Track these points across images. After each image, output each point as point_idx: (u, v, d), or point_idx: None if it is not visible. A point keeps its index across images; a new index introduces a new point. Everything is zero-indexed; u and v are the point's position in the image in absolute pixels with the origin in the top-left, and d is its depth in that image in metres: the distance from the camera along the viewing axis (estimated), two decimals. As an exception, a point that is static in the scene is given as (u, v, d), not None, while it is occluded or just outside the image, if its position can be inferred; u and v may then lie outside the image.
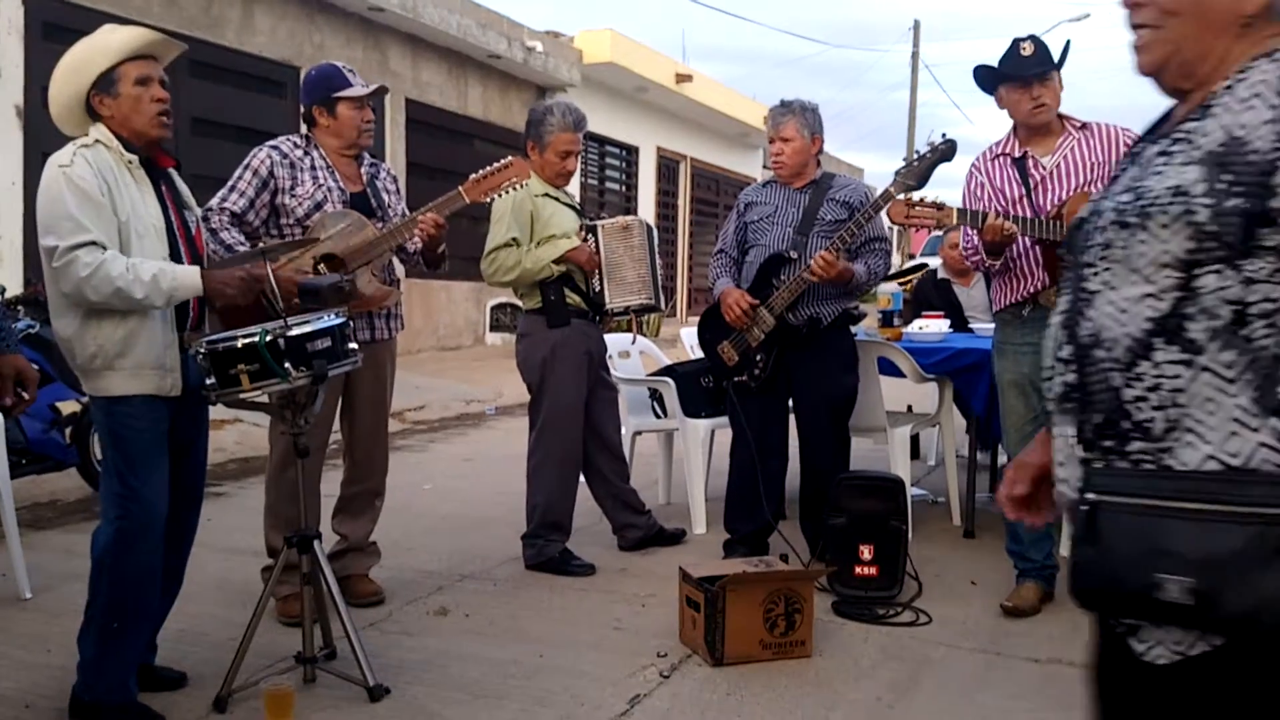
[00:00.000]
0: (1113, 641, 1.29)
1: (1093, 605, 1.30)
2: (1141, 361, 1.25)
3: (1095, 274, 1.31)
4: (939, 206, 3.35)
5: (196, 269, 2.53)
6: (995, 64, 3.39)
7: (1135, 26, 1.35)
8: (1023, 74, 3.33)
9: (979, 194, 3.48)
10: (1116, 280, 1.28)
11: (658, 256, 4.02)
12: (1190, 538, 1.17)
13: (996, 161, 3.49)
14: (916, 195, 3.43)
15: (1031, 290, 3.36)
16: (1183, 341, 1.23)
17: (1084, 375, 1.31)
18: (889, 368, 4.42)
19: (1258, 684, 1.21)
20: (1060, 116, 3.43)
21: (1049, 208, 3.33)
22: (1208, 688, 1.23)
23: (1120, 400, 1.26)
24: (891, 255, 4.00)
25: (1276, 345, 1.20)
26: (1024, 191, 3.39)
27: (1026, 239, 3.33)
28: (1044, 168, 3.39)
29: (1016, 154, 3.45)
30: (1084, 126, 3.42)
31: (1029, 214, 3.32)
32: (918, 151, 3.66)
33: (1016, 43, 3.37)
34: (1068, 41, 3.39)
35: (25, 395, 2.68)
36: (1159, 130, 1.36)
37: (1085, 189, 3.32)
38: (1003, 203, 3.41)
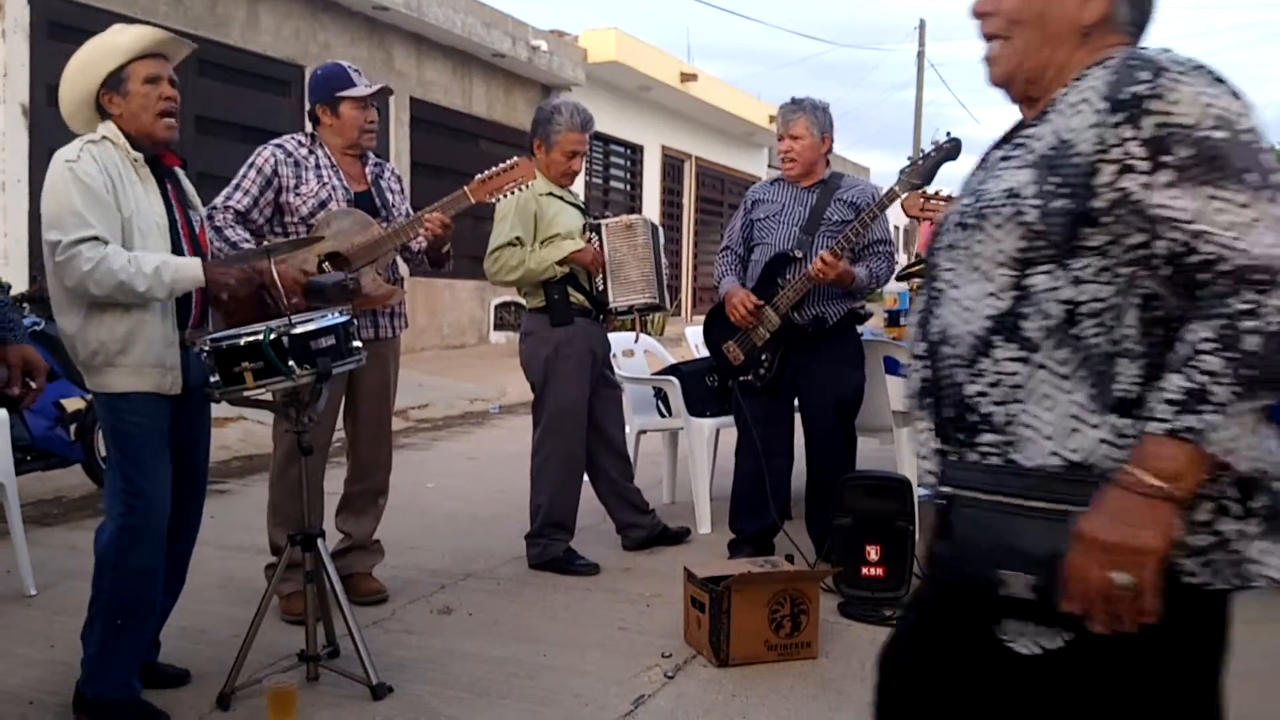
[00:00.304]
0: (981, 630, 1.32)
1: (951, 595, 1.34)
2: (983, 358, 1.29)
3: (943, 274, 1.36)
4: (952, 199, 3.32)
5: (198, 260, 2.54)
6: None
7: (986, 37, 1.39)
8: None
9: None
10: (960, 280, 1.33)
11: (663, 255, 4.01)
12: (1035, 536, 1.20)
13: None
14: (932, 189, 3.39)
15: None
16: (1020, 339, 1.27)
17: (935, 371, 1.35)
18: (895, 367, 4.40)
19: (1107, 680, 1.25)
20: None
21: None
22: (1064, 681, 1.27)
23: (963, 395, 1.31)
24: (895, 258, 3.99)
25: (1108, 343, 1.23)
26: None
27: None
28: None
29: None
30: None
31: None
32: (923, 150, 3.65)
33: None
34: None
35: (34, 385, 2.68)
36: (1007, 137, 1.41)
37: None
38: None
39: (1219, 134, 1.15)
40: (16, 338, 2.58)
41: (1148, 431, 1.15)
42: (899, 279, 5.87)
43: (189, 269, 2.49)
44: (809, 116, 3.86)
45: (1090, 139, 1.21)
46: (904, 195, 3.72)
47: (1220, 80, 1.20)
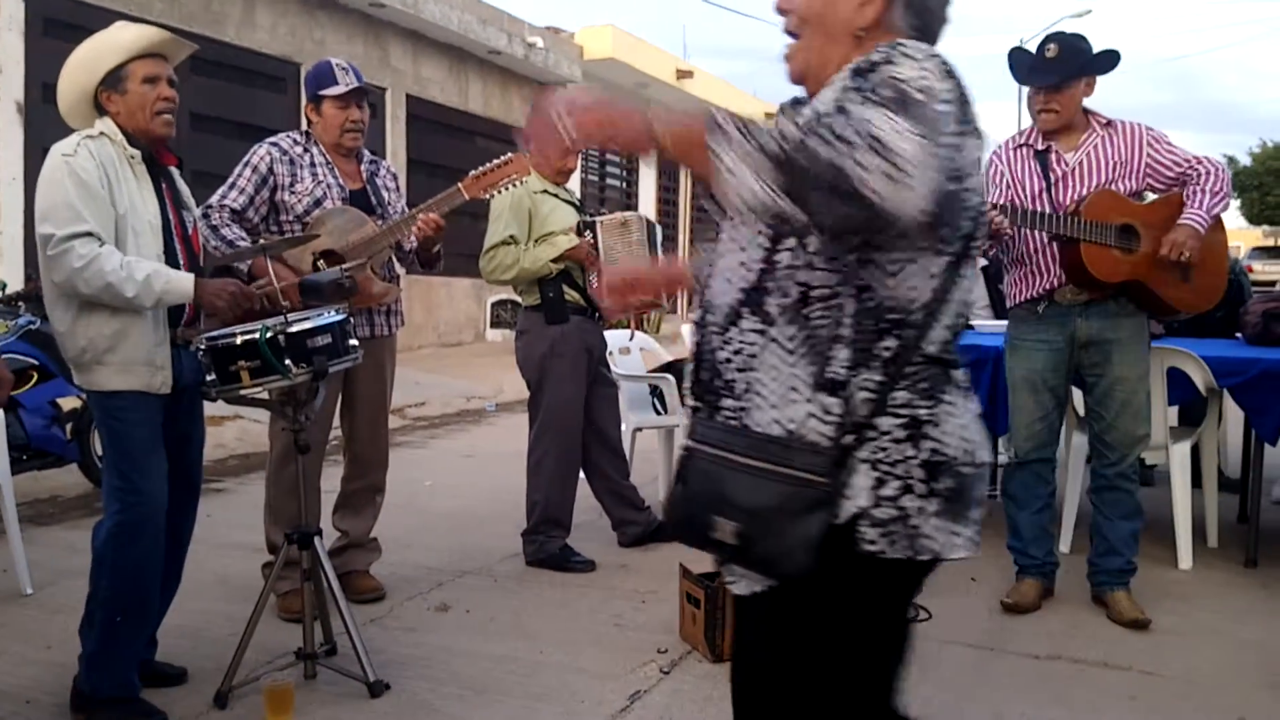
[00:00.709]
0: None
1: (677, 538, 1.48)
2: (732, 327, 1.41)
3: (719, 245, 1.48)
4: None
5: (191, 276, 2.51)
6: (1031, 50, 3.34)
7: (787, 34, 1.49)
8: (1032, 83, 3.30)
9: (997, 182, 3.43)
10: (727, 251, 1.45)
11: (660, 252, 4.01)
12: (745, 489, 1.34)
13: (1019, 151, 3.43)
14: None
15: (1047, 287, 3.33)
16: (761, 313, 1.38)
17: (701, 336, 1.47)
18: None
19: (795, 620, 1.41)
20: (1086, 112, 3.36)
21: (1068, 204, 3.29)
22: (772, 620, 1.43)
23: (716, 361, 1.43)
24: None
25: (830, 328, 1.34)
26: (1044, 186, 3.34)
27: (1043, 235, 3.30)
28: (1066, 163, 3.34)
29: (1039, 146, 3.39)
30: (1109, 124, 3.37)
31: (1047, 209, 3.28)
32: None
33: (1045, 41, 3.29)
34: (1115, 53, 3.26)
35: None
36: None
37: (1106, 187, 3.29)
38: (1021, 196, 3.36)
39: (918, 95, 1.26)
40: None
41: (730, 123, 1.25)
42: None
43: (181, 284, 2.47)
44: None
45: (830, 101, 1.36)
46: None
47: (949, 73, 1.32)
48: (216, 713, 2.61)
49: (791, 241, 1.36)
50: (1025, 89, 3.42)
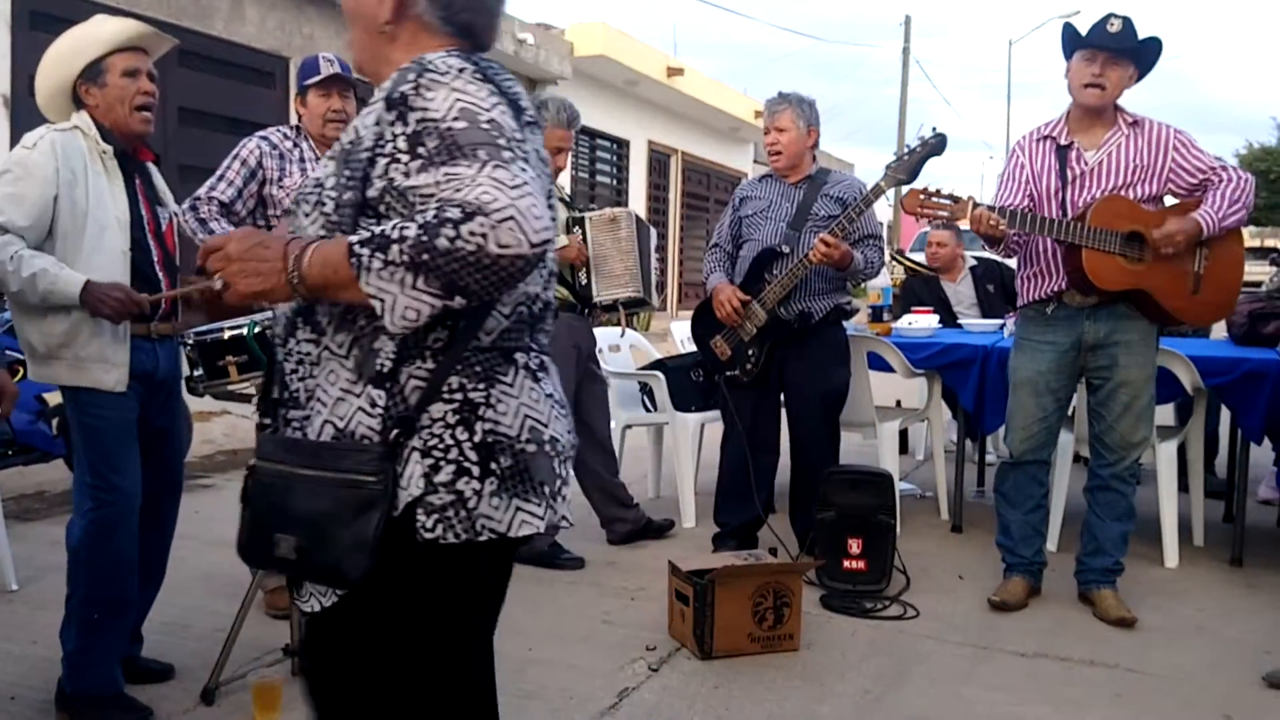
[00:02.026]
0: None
1: (246, 560, 1.44)
2: (290, 339, 1.42)
3: None
4: (954, 199, 3.25)
5: (82, 279, 2.38)
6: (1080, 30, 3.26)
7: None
8: (1099, 44, 3.18)
9: (1017, 174, 3.36)
10: None
11: (653, 253, 4.01)
12: (302, 500, 1.33)
13: (1041, 144, 3.35)
14: (934, 186, 3.35)
15: (1055, 289, 3.29)
16: (313, 323, 1.40)
17: (272, 351, 1.47)
18: (878, 363, 4.43)
19: (369, 628, 1.39)
20: (1115, 109, 3.29)
21: (1082, 204, 3.23)
22: (348, 632, 1.40)
23: (282, 373, 1.44)
24: (885, 251, 4.00)
25: (373, 324, 1.33)
26: (1060, 185, 3.27)
27: (1049, 238, 3.26)
28: (1086, 162, 3.27)
29: (1063, 141, 3.31)
30: (1135, 123, 3.29)
31: (1057, 211, 3.24)
32: (908, 146, 3.66)
33: (1108, 16, 3.20)
34: (1157, 40, 3.22)
35: None
36: None
37: (1121, 190, 3.23)
38: (1037, 192, 3.30)
39: (459, 124, 1.28)
40: None
41: (348, 240, 1.28)
42: (910, 272, 5.89)
43: (68, 286, 2.36)
44: (795, 109, 3.87)
45: (373, 134, 1.35)
46: (889, 189, 3.74)
47: (484, 80, 1.35)
48: (203, 709, 2.60)
49: None
50: (1067, 78, 3.29)
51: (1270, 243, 35.43)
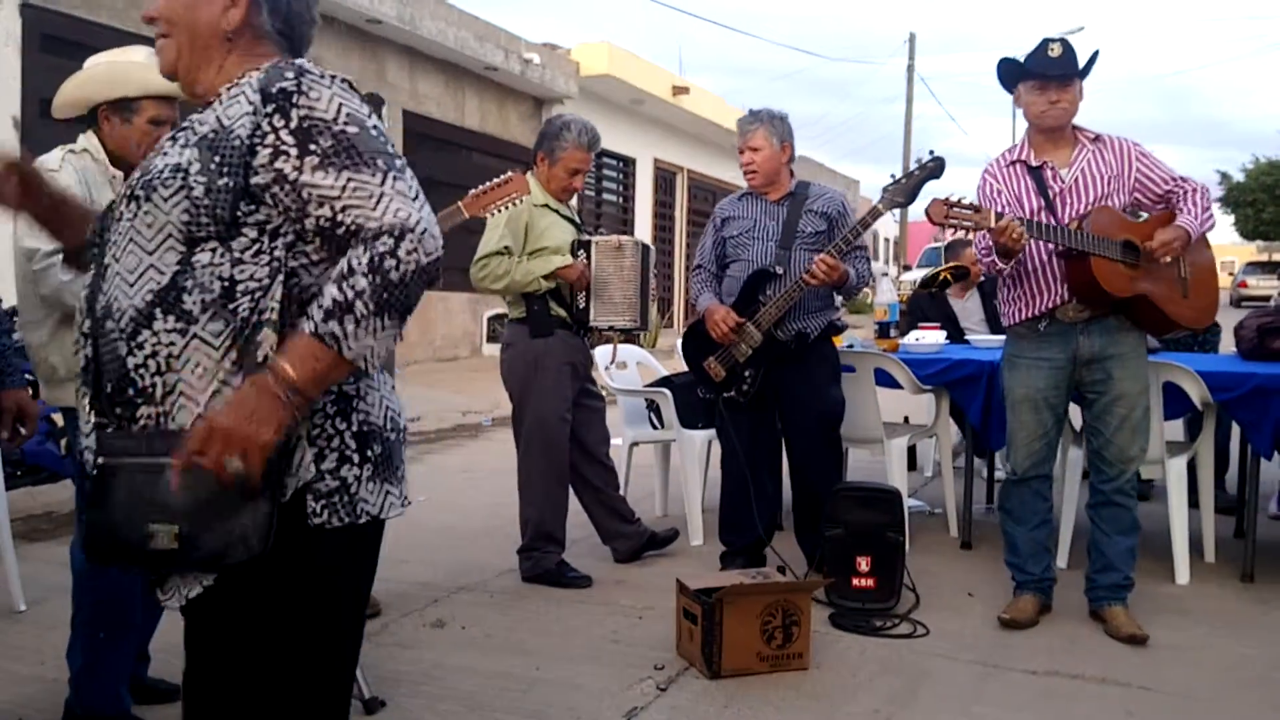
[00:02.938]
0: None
1: (103, 560, 1.44)
2: (144, 330, 1.40)
3: (111, 250, 1.46)
4: (976, 209, 3.27)
5: None
6: (1021, 60, 3.35)
7: (158, 36, 1.55)
8: (1046, 73, 3.27)
9: (996, 199, 3.41)
10: (125, 254, 1.43)
11: (651, 277, 4.00)
12: (180, 489, 1.34)
13: (1013, 168, 3.42)
14: (955, 196, 3.36)
15: (1050, 305, 3.31)
16: (179, 312, 1.39)
17: (98, 347, 1.43)
18: (885, 379, 4.42)
19: (248, 612, 1.42)
20: (1074, 128, 3.38)
21: (1068, 220, 3.27)
22: (214, 622, 1.43)
23: (126, 369, 1.40)
24: (871, 262, 4.01)
25: (256, 316, 1.38)
26: (1044, 203, 3.33)
27: (1044, 252, 3.28)
28: (1063, 180, 3.34)
29: (1033, 162, 3.38)
30: (1097, 139, 3.38)
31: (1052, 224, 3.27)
32: (905, 169, 3.66)
33: (1045, 42, 3.31)
34: (1095, 51, 3.32)
35: (24, 431, 2.67)
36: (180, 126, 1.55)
37: (1101, 202, 3.29)
38: (1022, 212, 3.34)
39: (351, 128, 1.39)
40: (13, 382, 2.58)
41: (298, 330, 1.34)
42: (922, 286, 5.88)
43: None
44: (767, 127, 3.88)
45: (247, 125, 1.39)
46: (887, 211, 3.75)
47: (351, 90, 1.44)
48: (210, 730, 2.59)
49: (214, 244, 1.39)
50: (1020, 106, 3.40)
51: (1278, 257, 35.40)
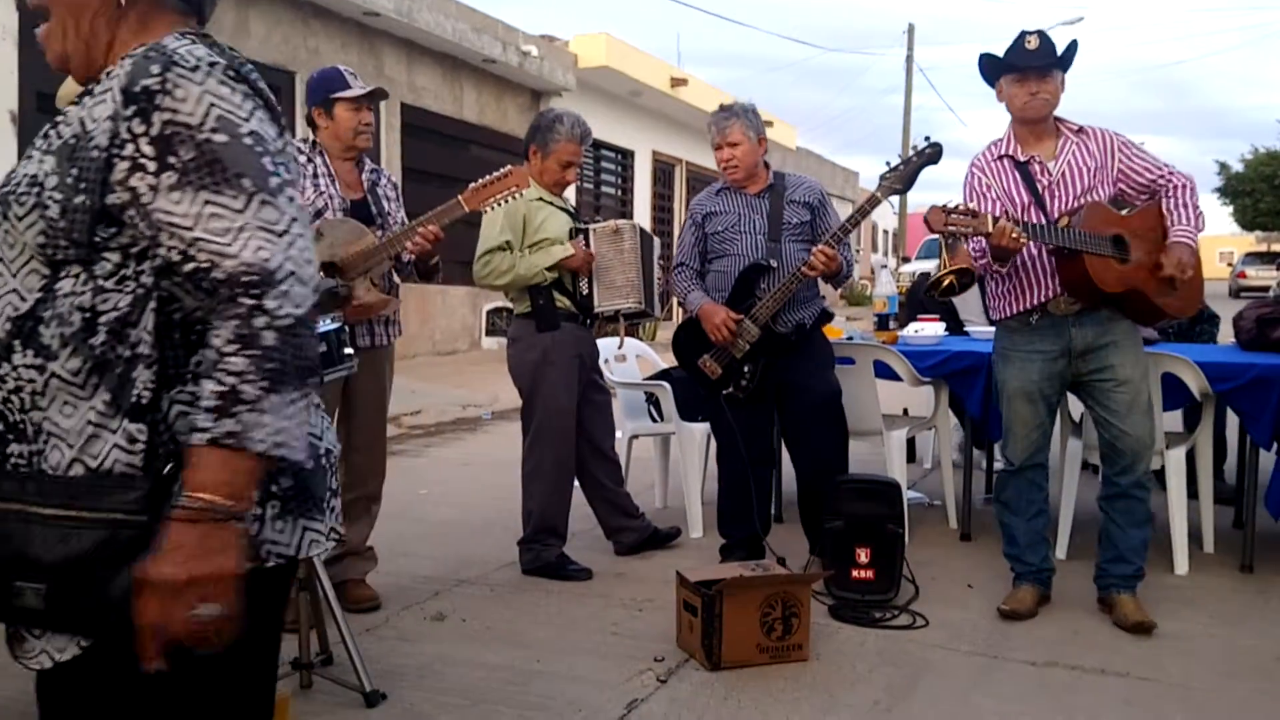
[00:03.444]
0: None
1: None
2: (4, 363, 1.23)
3: None
4: (974, 213, 3.25)
5: None
6: (1000, 55, 3.35)
7: (40, 24, 1.34)
8: (1024, 65, 3.28)
9: (986, 194, 3.40)
10: None
11: (655, 262, 4.01)
12: (49, 543, 1.15)
13: (1000, 163, 3.41)
14: (952, 202, 3.35)
15: (1041, 299, 3.32)
16: (37, 345, 1.21)
17: None
18: (885, 371, 4.42)
19: (125, 678, 1.21)
20: (1056, 120, 3.39)
21: (1056, 214, 3.29)
22: (85, 687, 1.24)
23: None
24: (852, 249, 4.00)
25: (126, 350, 1.20)
26: (1033, 198, 3.33)
27: (1033, 247, 3.27)
28: (1050, 173, 3.34)
29: (1020, 157, 3.38)
30: (1080, 130, 3.38)
31: (1041, 220, 3.28)
32: (900, 155, 3.65)
33: (1023, 35, 3.32)
34: (1074, 42, 3.34)
35: None
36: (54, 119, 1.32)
37: (1087, 194, 3.29)
38: (1012, 207, 3.35)
39: (219, 137, 1.17)
40: None
41: (192, 444, 1.13)
42: (926, 292, 5.86)
43: None
44: (742, 121, 3.87)
45: (106, 131, 1.18)
46: (885, 199, 3.74)
47: (237, 80, 1.22)
48: (212, 723, 2.60)
49: (76, 269, 1.21)
50: (1002, 100, 3.39)
51: (1277, 247, 35.40)
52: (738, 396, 3.83)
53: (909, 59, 26.47)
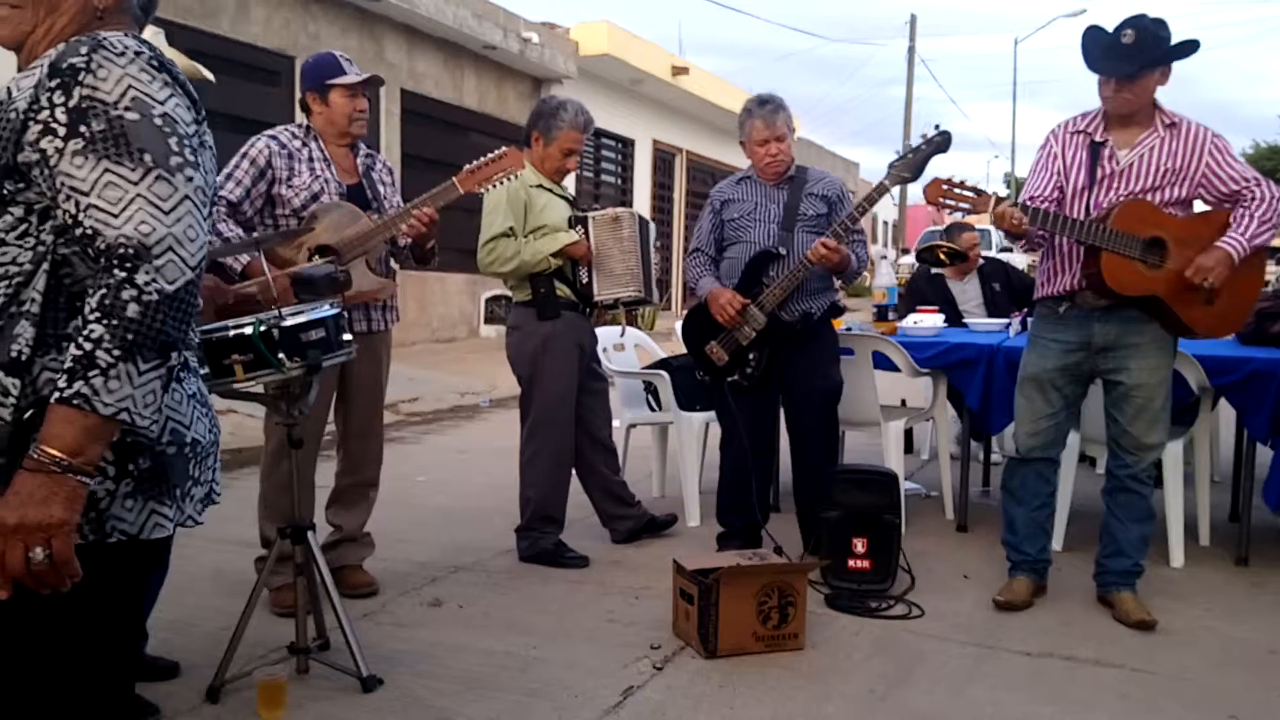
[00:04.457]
0: None
1: None
2: None
3: None
4: (978, 192, 3.20)
5: None
6: (1108, 29, 3.15)
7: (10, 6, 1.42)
8: (1106, 71, 3.14)
9: (1049, 164, 3.31)
10: None
11: (652, 249, 4.00)
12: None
13: (1075, 137, 3.29)
14: (957, 177, 3.30)
15: (1068, 287, 3.26)
16: None
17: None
18: (883, 362, 4.42)
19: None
20: (1154, 106, 3.21)
21: (1107, 205, 3.19)
22: None
23: None
24: (868, 247, 4.00)
25: (13, 305, 1.28)
26: (1088, 182, 3.23)
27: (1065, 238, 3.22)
28: (1118, 162, 3.21)
29: (1097, 137, 3.25)
30: (1172, 124, 3.21)
31: (1081, 210, 3.21)
32: (909, 144, 3.62)
33: (1122, 25, 3.12)
34: (1194, 42, 3.11)
35: None
36: None
37: (1150, 193, 3.18)
38: (1065, 187, 3.26)
39: (131, 114, 1.26)
40: None
41: (51, 401, 1.21)
42: (918, 256, 5.83)
43: None
44: (786, 114, 3.85)
45: (28, 97, 1.29)
46: (894, 187, 3.72)
47: (158, 69, 1.32)
48: (209, 707, 2.61)
49: None
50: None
51: (1277, 242, 35.36)
52: (742, 384, 3.83)
53: (911, 50, 26.39)
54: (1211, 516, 4.25)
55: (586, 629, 3.21)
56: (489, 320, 12.69)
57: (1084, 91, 3.31)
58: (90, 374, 1.19)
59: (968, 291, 5.68)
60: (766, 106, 3.84)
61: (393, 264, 3.57)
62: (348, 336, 2.72)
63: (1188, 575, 3.83)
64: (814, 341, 3.84)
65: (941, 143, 3.56)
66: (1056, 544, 3.99)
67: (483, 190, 3.43)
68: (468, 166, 3.35)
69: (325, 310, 2.64)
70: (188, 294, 1.25)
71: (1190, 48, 3.15)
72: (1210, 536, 4.20)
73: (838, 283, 4.01)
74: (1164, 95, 3.25)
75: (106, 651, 1.40)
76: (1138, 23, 3.11)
